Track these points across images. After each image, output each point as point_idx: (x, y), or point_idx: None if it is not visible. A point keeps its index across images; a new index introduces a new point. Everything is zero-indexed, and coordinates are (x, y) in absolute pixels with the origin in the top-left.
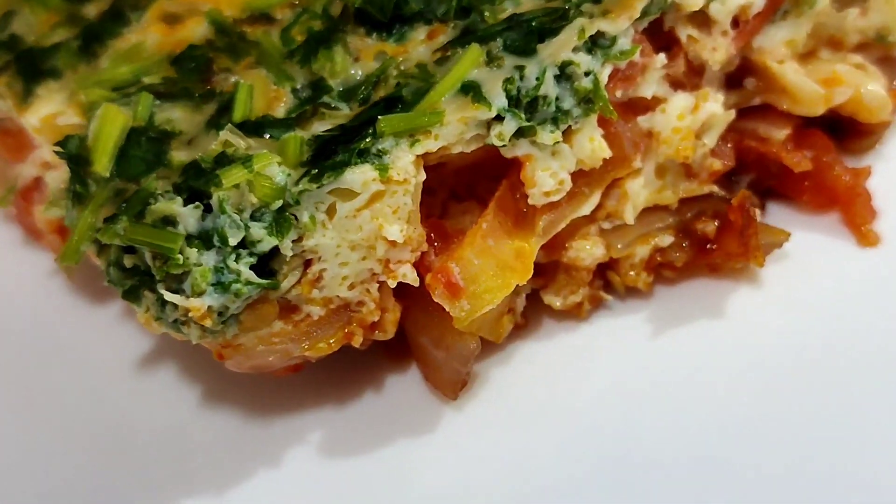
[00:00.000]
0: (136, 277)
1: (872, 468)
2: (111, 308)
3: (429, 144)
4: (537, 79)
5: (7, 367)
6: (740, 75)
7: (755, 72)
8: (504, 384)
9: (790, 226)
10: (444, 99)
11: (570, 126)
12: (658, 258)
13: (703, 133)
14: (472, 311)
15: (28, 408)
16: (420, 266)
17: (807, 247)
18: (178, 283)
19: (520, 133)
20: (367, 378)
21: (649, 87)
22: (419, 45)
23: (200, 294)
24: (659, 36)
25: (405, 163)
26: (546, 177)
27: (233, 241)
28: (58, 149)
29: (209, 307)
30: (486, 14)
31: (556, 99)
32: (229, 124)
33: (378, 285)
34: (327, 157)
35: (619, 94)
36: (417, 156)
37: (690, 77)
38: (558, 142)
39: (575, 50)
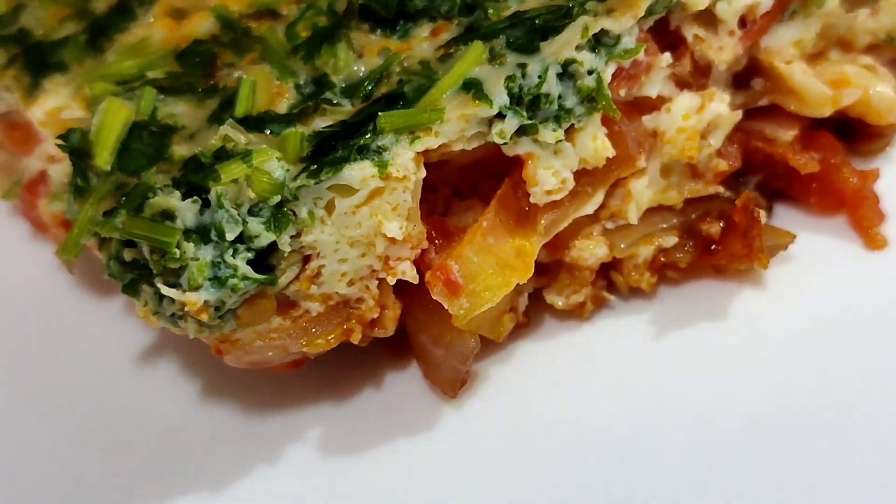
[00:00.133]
0: (136, 271)
1: (877, 471)
2: (116, 301)
3: (429, 141)
4: (539, 77)
5: (11, 358)
6: (748, 75)
7: (762, 72)
8: (504, 383)
9: (797, 228)
10: (445, 96)
11: (572, 125)
12: (662, 259)
13: (709, 133)
14: (471, 309)
15: (30, 397)
16: (421, 263)
17: (813, 249)
18: (175, 278)
19: (521, 131)
20: (366, 375)
21: (654, 86)
22: (423, 41)
23: (197, 288)
24: (665, 35)
25: (405, 159)
26: (548, 175)
27: (230, 236)
28: (60, 142)
29: (205, 302)
30: (490, 11)
31: (559, 97)
32: (230, 119)
33: (377, 282)
34: (327, 153)
35: (622, 92)
36: (417, 153)
37: (696, 77)
38: (560, 140)
39: (578, 48)
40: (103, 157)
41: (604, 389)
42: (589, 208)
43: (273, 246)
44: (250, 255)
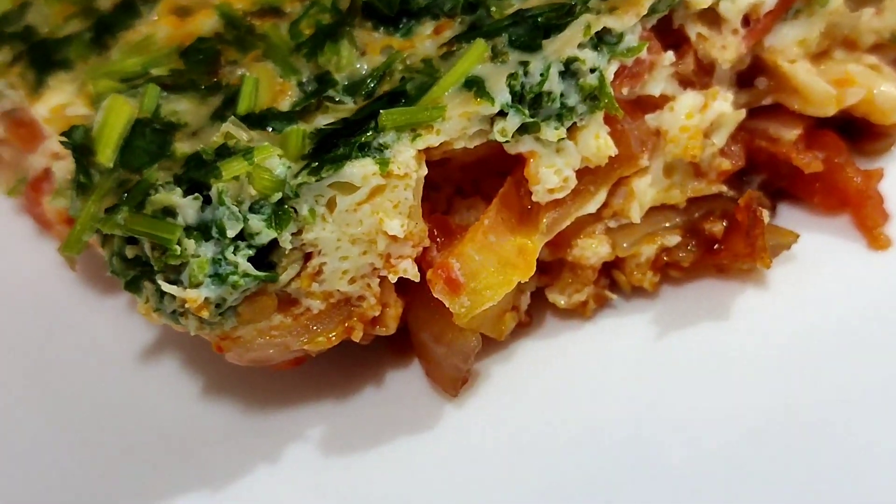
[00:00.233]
0: (138, 268)
1: (881, 473)
2: (119, 298)
3: (430, 139)
4: (541, 75)
5: (14, 354)
6: (751, 74)
7: (766, 71)
8: (506, 382)
9: (801, 227)
10: (447, 94)
11: (575, 123)
12: (664, 258)
13: (712, 132)
14: (472, 307)
15: (31, 393)
16: (422, 261)
17: (816, 249)
18: (176, 274)
19: (523, 129)
20: (368, 372)
21: (657, 84)
22: (426, 39)
23: (197, 285)
24: (668, 33)
25: (406, 157)
26: (550, 174)
27: (231, 233)
28: (63, 139)
29: (206, 299)
30: (493, 9)
31: (561, 95)
32: (232, 117)
33: (379, 280)
34: (328, 150)
35: (625, 91)
36: (419, 150)
37: (700, 75)
38: (563, 139)
39: (580, 46)
40: (106, 154)
41: (605, 389)
42: (591, 207)
43: (274, 243)
44: (251, 252)
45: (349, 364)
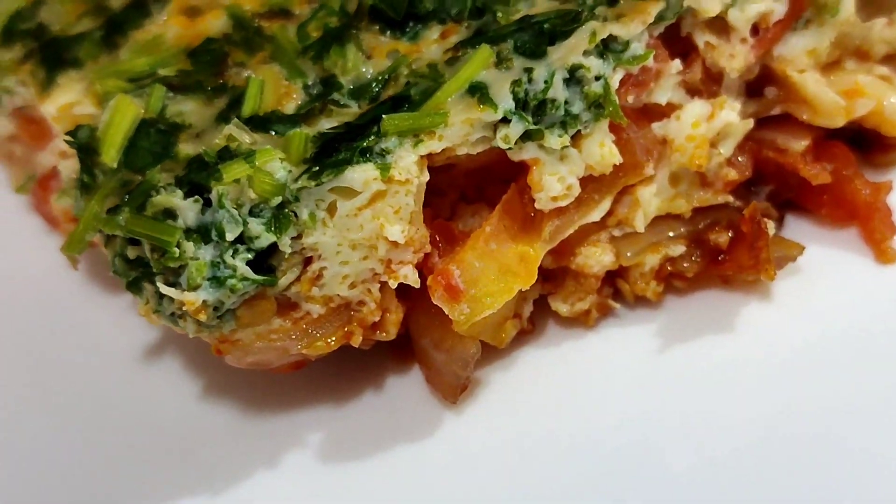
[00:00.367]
0: (139, 269)
1: (883, 483)
2: (124, 297)
3: (432, 145)
4: (546, 82)
5: (17, 351)
6: (760, 84)
7: (775, 81)
8: (506, 390)
9: (808, 239)
10: (450, 99)
11: (579, 131)
12: (668, 268)
13: (719, 142)
14: (471, 314)
15: (33, 391)
16: (424, 267)
17: (823, 261)
18: (175, 277)
19: (527, 136)
20: (368, 377)
21: (664, 93)
22: (432, 44)
23: (195, 288)
24: (676, 41)
25: (408, 163)
26: (553, 181)
27: (230, 236)
28: (68, 138)
29: (204, 301)
30: (499, 15)
31: (566, 103)
32: (235, 119)
33: (379, 285)
34: (330, 154)
35: (630, 99)
36: (421, 156)
37: (708, 84)
38: (566, 146)
39: (586, 54)
40: (110, 155)
41: (607, 399)
42: (595, 215)
43: (274, 247)
44: (250, 255)
45: (350, 368)
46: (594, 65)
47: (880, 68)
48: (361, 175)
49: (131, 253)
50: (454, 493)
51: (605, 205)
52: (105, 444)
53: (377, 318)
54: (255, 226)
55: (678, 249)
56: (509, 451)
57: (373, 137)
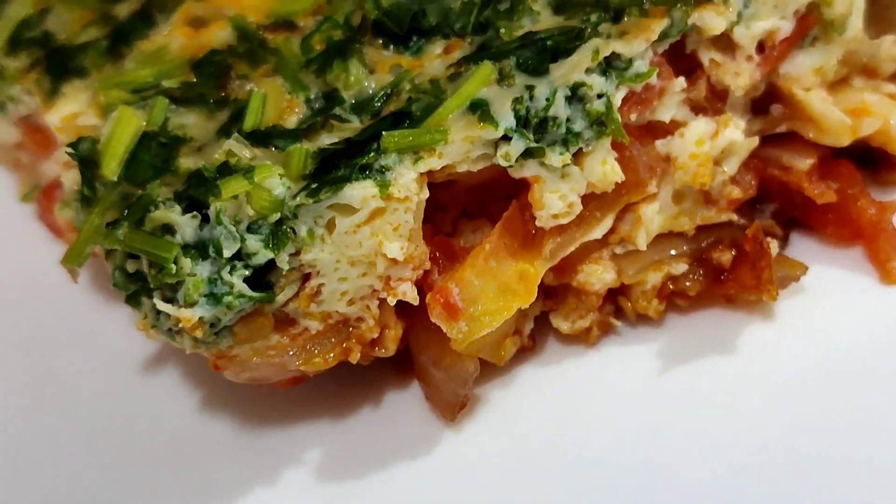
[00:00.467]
0: (139, 283)
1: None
2: (127, 307)
3: (432, 162)
4: (547, 99)
5: (17, 360)
6: (767, 101)
7: (781, 98)
8: (505, 408)
9: (813, 258)
10: (451, 116)
11: (581, 148)
12: (670, 286)
13: (724, 160)
14: (469, 333)
15: (34, 400)
16: (424, 284)
17: (827, 281)
18: (172, 293)
19: (528, 154)
20: (368, 391)
21: (667, 110)
22: (435, 59)
23: (192, 305)
24: (681, 58)
25: (407, 180)
26: (554, 199)
27: (227, 253)
28: (70, 150)
29: (200, 318)
30: (503, 31)
31: (567, 120)
32: (235, 133)
33: (378, 302)
34: (330, 171)
35: (633, 117)
36: (421, 173)
37: (713, 101)
38: (568, 164)
39: (588, 71)
40: (111, 168)
41: (607, 417)
42: (597, 233)
43: (272, 263)
44: (247, 272)
45: (349, 382)
46: (596, 82)
47: (888, 86)
48: (360, 192)
49: (130, 266)
50: None
51: (607, 222)
52: (102, 456)
53: (376, 335)
54: (253, 242)
55: (680, 268)
56: (508, 468)
57: (372, 154)
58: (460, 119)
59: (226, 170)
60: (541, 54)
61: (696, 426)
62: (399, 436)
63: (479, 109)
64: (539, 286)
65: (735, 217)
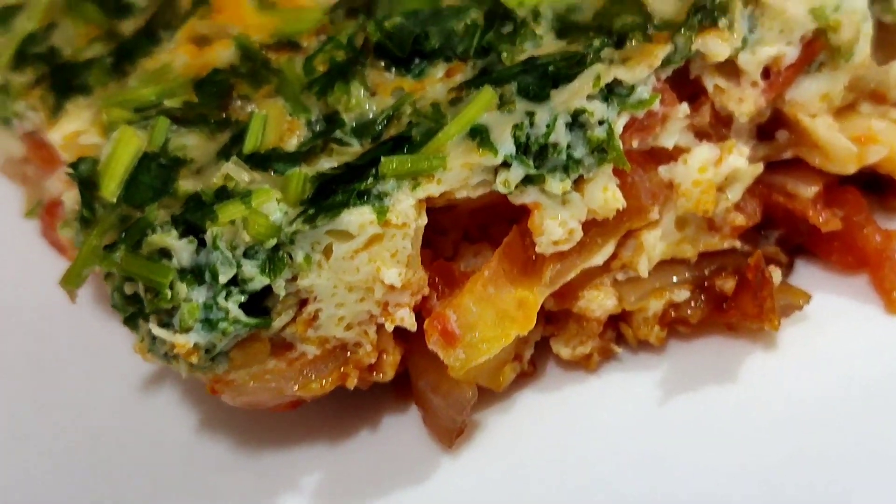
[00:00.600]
0: (136, 305)
1: None
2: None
3: (431, 189)
4: (548, 126)
5: (13, 376)
6: (772, 127)
7: (787, 125)
8: (504, 435)
9: (817, 286)
10: (450, 142)
11: (581, 175)
12: (672, 313)
13: (727, 187)
14: (467, 360)
15: (32, 413)
16: (423, 309)
17: (831, 310)
18: (168, 318)
19: (528, 180)
20: (366, 415)
21: (670, 136)
22: (437, 82)
23: (187, 330)
24: (684, 84)
25: (405, 206)
26: (555, 226)
27: (223, 279)
28: (69, 171)
29: (195, 344)
30: (505, 55)
31: (568, 147)
32: (234, 157)
33: (376, 327)
34: (328, 196)
35: (635, 143)
36: (419, 199)
37: (717, 127)
38: (568, 191)
39: (589, 98)
40: (110, 189)
41: (608, 444)
42: (598, 259)
43: (269, 288)
44: (243, 298)
45: (348, 404)
46: (598, 109)
47: None
48: (357, 218)
49: (128, 289)
50: None
51: (609, 249)
52: (100, 475)
53: (373, 360)
54: (249, 268)
55: (682, 295)
56: (506, 495)
57: (370, 180)
58: (460, 145)
59: (223, 194)
60: (542, 80)
61: (697, 454)
62: (397, 461)
63: (479, 135)
64: (539, 311)
65: (738, 244)
